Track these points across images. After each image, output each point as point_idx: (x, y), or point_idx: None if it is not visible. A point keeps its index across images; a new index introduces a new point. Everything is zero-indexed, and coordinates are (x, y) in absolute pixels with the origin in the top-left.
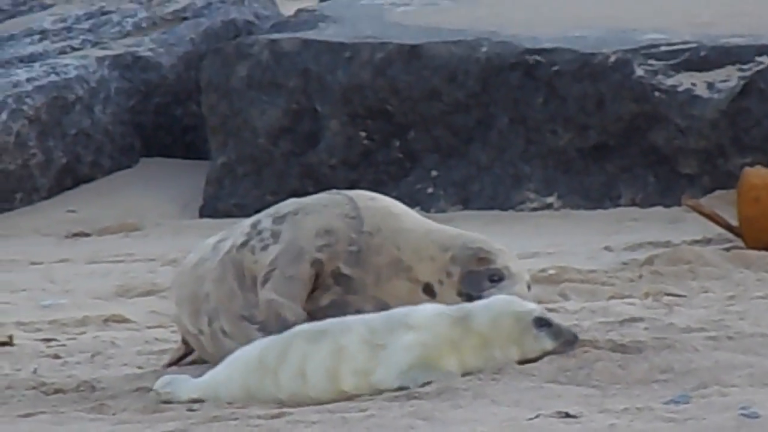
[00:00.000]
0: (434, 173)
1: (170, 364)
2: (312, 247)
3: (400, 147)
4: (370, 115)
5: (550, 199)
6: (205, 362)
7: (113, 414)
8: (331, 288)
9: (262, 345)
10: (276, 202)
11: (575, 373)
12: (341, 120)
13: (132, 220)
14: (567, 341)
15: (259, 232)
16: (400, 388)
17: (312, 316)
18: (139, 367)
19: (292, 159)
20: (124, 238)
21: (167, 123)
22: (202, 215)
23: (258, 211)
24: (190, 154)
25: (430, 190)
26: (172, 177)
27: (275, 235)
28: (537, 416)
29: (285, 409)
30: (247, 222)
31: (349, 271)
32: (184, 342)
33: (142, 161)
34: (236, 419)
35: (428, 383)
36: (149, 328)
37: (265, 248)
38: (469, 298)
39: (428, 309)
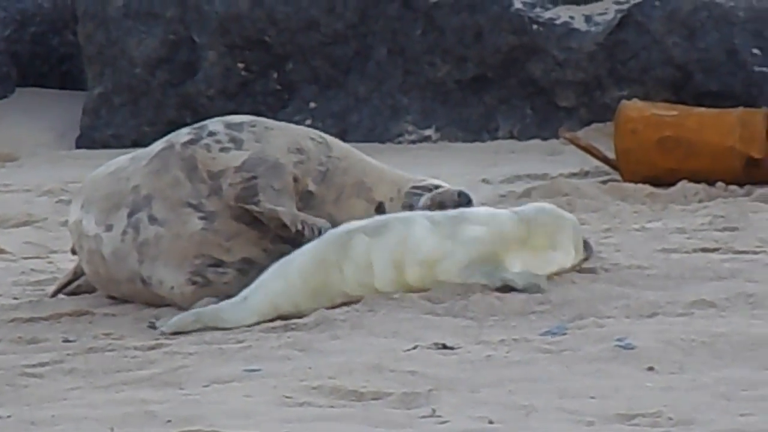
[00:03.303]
0: (312, 104)
1: (56, 292)
2: (290, 163)
3: (278, 78)
4: (248, 46)
5: (428, 132)
6: (91, 291)
7: None
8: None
9: (312, 249)
10: (153, 133)
11: (452, 304)
12: (219, 50)
13: (7, 150)
14: (591, 252)
15: (212, 134)
16: (462, 284)
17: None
18: (15, 298)
19: (170, 89)
20: None
21: (43, 52)
22: (78, 146)
23: (136, 143)
24: (66, 83)
25: (308, 121)
26: (48, 107)
27: (235, 141)
28: (415, 347)
29: (162, 341)
30: (157, 144)
31: (315, 188)
32: (75, 271)
33: (17, 91)
34: (113, 350)
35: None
36: (25, 258)
37: (225, 150)
38: (411, 208)
39: (487, 209)
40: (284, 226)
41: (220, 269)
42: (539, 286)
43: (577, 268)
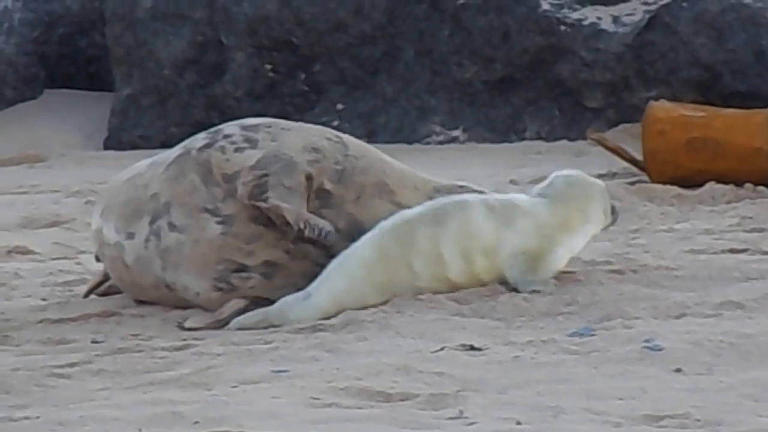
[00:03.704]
0: (340, 106)
1: (88, 293)
2: (303, 161)
3: (306, 79)
4: (275, 47)
5: (455, 132)
6: (123, 292)
7: (17, 345)
8: (310, 201)
9: (372, 242)
10: (181, 134)
11: (480, 305)
12: (247, 52)
13: (36, 152)
14: (617, 216)
15: (227, 136)
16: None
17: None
18: (43, 299)
19: (197, 91)
20: (28, 169)
21: (71, 54)
22: (106, 147)
23: (164, 144)
24: (94, 85)
25: (335, 122)
26: (76, 108)
27: (250, 141)
28: (442, 348)
29: (190, 341)
30: (174, 150)
31: (331, 186)
32: (106, 272)
33: (46, 92)
34: (141, 351)
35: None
36: (53, 259)
37: (240, 150)
38: None
39: (524, 198)
40: (289, 224)
41: (244, 274)
42: (541, 292)
43: (606, 231)
